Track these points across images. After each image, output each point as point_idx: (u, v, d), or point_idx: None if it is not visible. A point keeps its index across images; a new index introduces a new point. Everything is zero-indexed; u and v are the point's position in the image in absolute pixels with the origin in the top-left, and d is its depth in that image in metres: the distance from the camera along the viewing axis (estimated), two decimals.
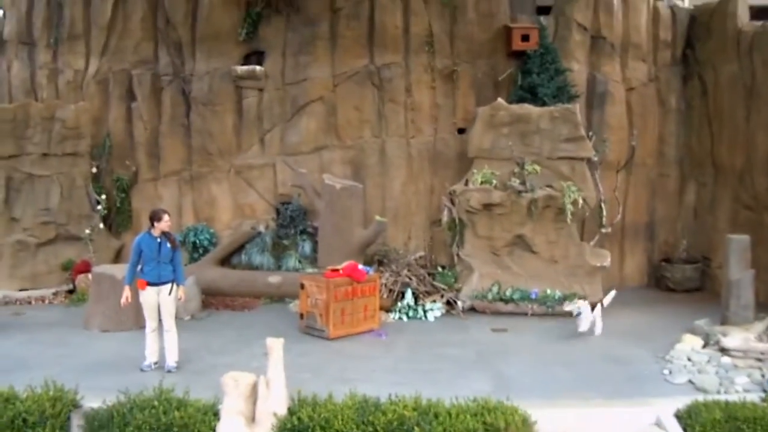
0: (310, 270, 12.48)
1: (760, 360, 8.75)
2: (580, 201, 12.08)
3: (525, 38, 13.67)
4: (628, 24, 14.33)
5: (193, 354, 9.23)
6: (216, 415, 6.25)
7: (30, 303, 12.81)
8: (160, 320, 8.80)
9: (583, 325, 10.29)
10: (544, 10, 14.44)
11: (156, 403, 6.32)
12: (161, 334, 8.78)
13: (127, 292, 8.81)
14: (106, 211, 14.02)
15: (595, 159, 12.87)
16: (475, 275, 12.25)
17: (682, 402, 6.91)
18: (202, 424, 6.15)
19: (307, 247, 13.59)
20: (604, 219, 13.14)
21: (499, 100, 12.94)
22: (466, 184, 12.64)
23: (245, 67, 14.13)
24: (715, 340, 9.38)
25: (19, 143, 13.62)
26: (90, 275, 12.02)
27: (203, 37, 14.27)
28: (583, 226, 13.38)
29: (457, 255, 12.74)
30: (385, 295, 11.82)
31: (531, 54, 13.64)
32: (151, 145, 14.50)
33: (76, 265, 13.38)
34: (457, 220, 12.71)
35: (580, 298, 10.63)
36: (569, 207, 11.98)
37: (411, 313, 11.70)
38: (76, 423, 6.48)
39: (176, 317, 8.96)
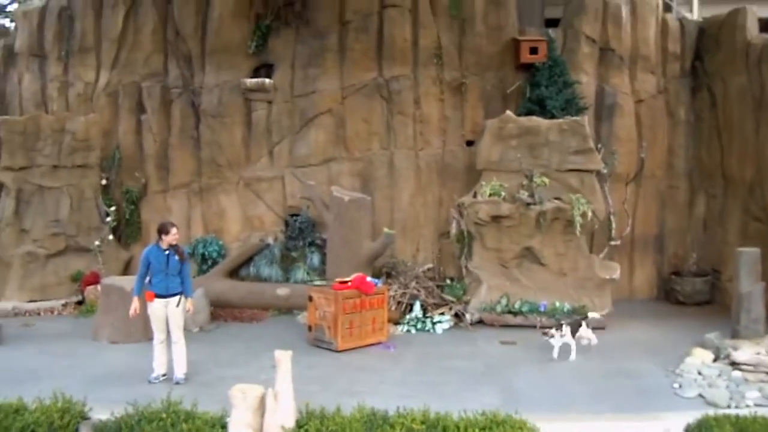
0: (318, 282, 12.48)
1: None
2: (589, 213, 12.05)
3: (533, 51, 13.70)
4: (637, 36, 14.35)
5: (201, 366, 9.23)
6: (224, 427, 6.24)
7: (39, 314, 12.85)
8: (168, 332, 8.81)
9: (573, 353, 9.89)
10: (552, 23, 14.49)
11: (164, 415, 6.32)
12: (169, 346, 8.79)
13: (135, 303, 8.83)
14: (115, 223, 14.08)
15: (604, 171, 12.86)
16: (484, 287, 12.22)
17: (692, 416, 6.85)
18: None
19: (315, 259, 13.61)
20: (613, 231, 13.12)
21: (508, 112, 12.96)
22: (475, 196, 12.64)
23: (254, 80, 14.20)
24: (726, 353, 9.32)
25: (29, 155, 13.71)
26: (99, 287, 12.06)
27: (213, 49, 14.36)
28: (592, 239, 13.35)
29: (466, 267, 12.72)
30: (393, 308, 11.81)
31: (539, 66, 13.66)
32: (161, 157, 14.57)
33: (86, 277, 13.43)
34: (465, 233, 12.70)
35: (555, 328, 9.94)
36: (578, 219, 11.95)
37: (419, 326, 11.68)
38: None
39: (185, 329, 8.97)
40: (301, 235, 13.75)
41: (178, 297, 8.73)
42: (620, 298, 13.31)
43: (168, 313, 8.72)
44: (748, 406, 7.82)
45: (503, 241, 12.37)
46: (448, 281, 13.05)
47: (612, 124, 14.09)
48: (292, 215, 14.09)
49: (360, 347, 10.42)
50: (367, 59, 14.15)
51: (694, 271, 13.93)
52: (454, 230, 12.99)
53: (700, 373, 8.84)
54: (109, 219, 13.90)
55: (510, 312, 11.91)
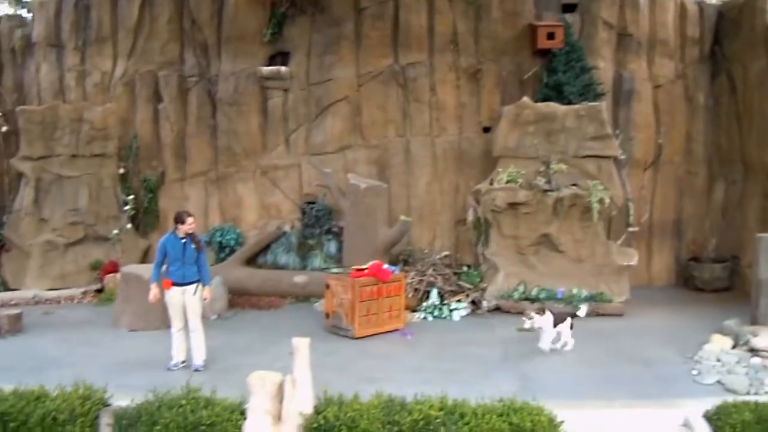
0: (335, 270, 12.51)
1: None
2: (607, 200, 11.99)
3: (550, 36, 13.61)
4: (655, 21, 14.21)
5: (219, 353, 9.30)
6: (243, 414, 6.28)
7: (59, 302, 12.99)
8: (186, 320, 8.86)
9: (545, 342, 9.43)
10: (569, 8, 14.36)
11: (183, 401, 6.36)
12: (187, 333, 8.85)
13: (155, 290, 8.86)
14: (133, 212, 14.16)
15: (622, 157, 12.77)
16: (501, 275, 12.21)
17: (711, 403, 6.83)
18: (228, 423, 6.19)
19: (332, 246, 13.65)
20: (631, 218, 13.03)
21: (525, 98, 12.89)
22: (492, 183, 12.61)
23: (270, 68, 14.22)
24: (745, 340, 9.26)
25: (48, 145, 13.83)
26: (118, 275, 12.16)
27: (229, 38, 14.38)
28: (609, 225, 13.28)
29: (483, 254, 12.70)
30: (410, 295, 11.83)
31: (556, 52, 13.58)
32: (178, 146, 14.64)
33: (105, 265, 13.54)
34: (482, 220, 12.68)
35: (537, 312, 9.48)
36: (596, 206, 11.89)
37: (436, 313, 11.69)
38: (105, 421, 6.54)
39: (203, 317, 9.01)
40: (318, 222, 13.79)
41: (195, 285, 8.78)
42: (638, 284, 13.26)
43: (185, 301, 8.77)
44: (767, 392, 7.78)
45: (520, 228, 12.34)
46: (465, 268, 13.04)
47: (630, 110, 14.00)
48: (309, 203, 14.12)
49: (377, 334, 10.45)
50: (383, 46, 14.12)
51: (712, 258, 13.84)
52: (470, 217, 12.97)
53: (718, 360, 8.79)
54: (127, 208, 13.99)
55: (527, 299, 11.89)
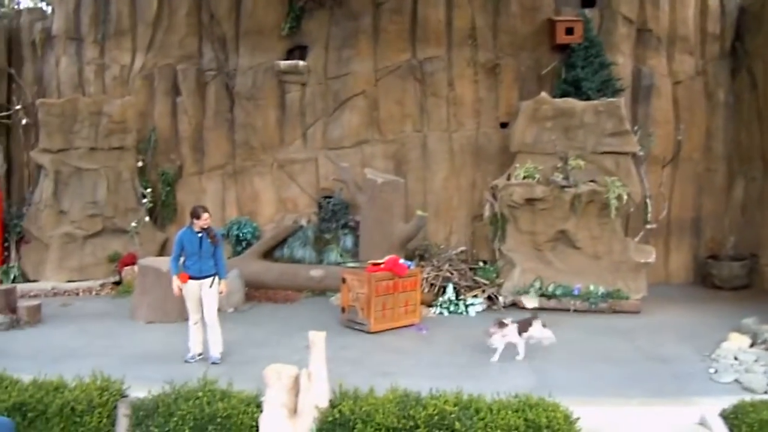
0: (351, 264, 12.53)
1: None
2: (625, 196, 11.92)
3: (569, 31, 13.54)
4: (675, 16, 14.11)
5: (236, 346, 9.34)
6: (259, 406, 6.31)
7: (78, 294, 13.11)
8: (202, 313, 8.91)
9: (496, 356, 8.89)
10: (588, 3, 14.29)
11: (200, 393, 6.40)
12: (205, 326, 8.89)
13: (176, 281, 8.85)
14: (151, 205, 14.25)
15: (641, 154, 12.70)
16: (517, 270, 12.18)
17: (728, 402, 6.78)
18: (244, 416, 6.22)
19: (348, 241, 13.68)
20: (649, 215, 12.97)
21: (543, 94, 12.84)
22: (509, 178, 12.57)
23: (288, 62, 14.25)
24: (763, 338, 9.20)
25: (67, 137, 13.92)
26: (136, 267, 12.24)
27: (247, 32, 14.42)
28: (627, 222, 13.23)
29: (499, 250, 12.69)
30: (426, 290, 11.83)
31: (575, 47, 13.51)
32: (196, 140, 14.71)
33: (123, 258, 13.64)
34: (499, 215, 12.65)
35: (497, 326, 8.92)
36: (613, 202, 11.83)
37: (452, 308, 11.69)
38: (123, 412, 6.59)
39: (220, 310, 9.06)
40: (335, 217, 13.82)
41: (211, 278, 8.82)
42: (656, 282, 13.20)
43: (202, 295, 8.82)
44: None
45: (537, 223, 12.31)
46: (481, 264, 13.02)
47: (649, 106, 13.91)
48: (326, 197, 14.15)
49: (393, 329, 10.46)
50: (401, 41, 14.11)
51: (731, 255, 13.75)
52: (487, 213, 12.95)
53: (736, 358, 8.74)
54: (145, 200, 14.08)
55: (543, 295, 11.87)
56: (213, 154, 14.67)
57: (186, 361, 8.79)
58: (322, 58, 14.37)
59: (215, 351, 8.80)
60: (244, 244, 13.94)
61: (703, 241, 14.35)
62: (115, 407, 6.62)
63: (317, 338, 6.43)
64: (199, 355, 8.91)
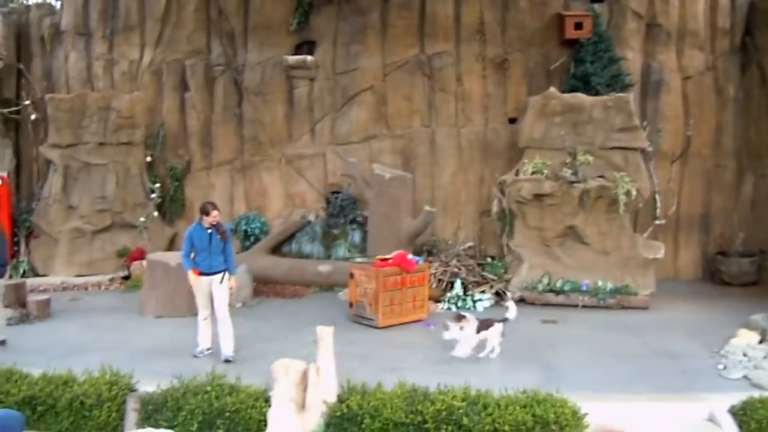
0: (359, 259, 12.54)
1: None
2: (634, 192, 11.89)
3: (578, 26, 13.50)
4: (685, 11, 14.04)
5: (244, 341, 9.36)
6: (267, 401, 6.34)
7: (87, 289, 13.16)
8: (212, 309, 8.89)
9: (461, 350, 8.65)
10: None
11: (209, 388, 6.44)
12: (214, 322, 8.88)
13: (191, 276, 8.79)
14: (160, 200, 14.30)
15: (650, 149, 12.66)
16: (525, 266, 12.17)
17: (737, 398, 6.77)
18: (253, 410, 6.25)
19: (356, 236, 13.68)
20: (658, 210, 12.93)
21: (552, 89, 12.80)
22: (517, 174, 12.55)
23: (296, 57, 14.25)
24: None
25: (76, 132, 13.97)
26: (144, 262, 12.27)
27: (255, 27, 14.43)
28: (636, 218, 13.19)
29: (507, 245, 12.67)
30: (434, 285, 11.84)
31: (584, 42, 13.47)
32: (204, 135, 14.74)
33: (131, 253, 13.68)
34: (507, 211, 12.63)
35: (455, 321, 8.63)
36: (622, 198, 11.80)
37: (460, 304, 11.68)
38: (132, 406, 6.63)
39: (228, 305, 9.00)
40: (343, 212, 13.83)
41: (221, 274, 8.81)
42: (664, 278, 13.16)
43: (212, 291, 8.82)
44: None
45: (545, 219, 12.29)
46: (489, 259, 13.02)
47: (658, 101, 13.85)
48: (334, 192, 14.17)
49: (400, 324, 10.47)
50: (409, 36, 14.10)
51: (740, 252, 13.69)
52: (495, 208, 12.94)
53: (745, 355, 8.71)
54: (153, 195, 14.12)
55: (551, 291, 11.86)
56: (221, 149, 14.70)
57: (195, 356, 8.81)
58: (330, 53, 14.37)
59: (228, 349, 8.71)
60: (252, 239, 13.96)
61: (712, 237, 14.29)
62: (124, 401, 6.66)
63: (325, 333, 6.44)
64: (208, 349, 8.92)
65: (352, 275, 10.81)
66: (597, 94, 12.80)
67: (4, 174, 14.04)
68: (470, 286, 12.11)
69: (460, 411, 5.96)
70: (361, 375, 6.91)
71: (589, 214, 12.12)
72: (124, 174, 14.11)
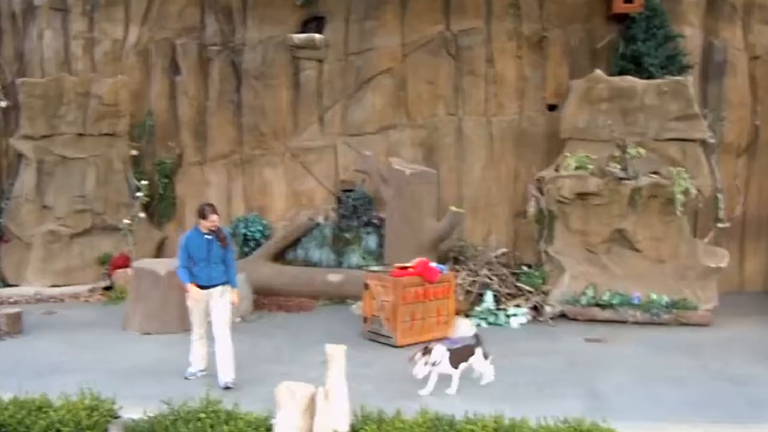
0: (375, 267, 12.55)
1: None
2: (692, 190, 11.85)
3: None
4: None
5: (243, 361, 9.39)
6: (269, 430, 6.36)
7: (63, 301, 13.28)
8: (209, 327, 8.82)
9: (428, 389, 8.22)
10: None
11: (202, 415, 6.46)
12: (209, 341, 8.83)
13: (193, 291, 8.68)
14: (147, 199, 14.38)
15: (711, 141, 12.62)
16: (567, 276, 12.16)
17: None
18: None
19: (372, 241, 13.72)
20: (721, 212, 12.87)
21: (597, 71, 12.78)
22: (557, 169, 12.55)
23: (303, 35, 14.30)
24: None
25: (51, 122, 14.08)
26: (129, 270, 12.36)
27: (256, 1, 14.49)
28: (695, 220, 13.14)
29: (546, 252, 12.66)
30: (461, 298, 11.85)
31: (635, 17, 13.43)
32: (198, 125, 14.83)
33: (114, 259, 13.78)
34: (545, 212, 12.63)
35: (422, 354, 8.24)
36: (679, 197, 11.76)
37: (491, 319, 11.69)
38: None
39: (229, 322, 8.93)
40: (356, 213, 13.87)
41: (221, 287, 8.74)
42: (728, 290, 13.09)
43: (211, 306, 8.75)
44: None
45: (590, 221, 12.28)
46: (525, 268, 13.00)
47: (721, 85, 13.78)
48: (346, 191, 14.20)
49: (422, 342, 10.46)
50: (433, 11, 14.11)
51: None
52: (532, 209, 12.93)
53: None
54: (140, 194, 14.19)
55: (597, 305, 11.84)
56: (217, 141, 14.78)
57: (186, 378, 8.85)
58: (341, 30, 14.41)
59: (227, 374, 8.61)
60: (252, 244, 14.02)
61: None
62: (106, 429, 6.69)
63: (336, 352, 6.47)
64: (202, 371, 8.93)
65: (366, 286, 10.84)
66: (650, 77, 12.77)
67: None
68: (503, 298, 12.11)
69: None
70: (376, 401, 6.93)
71: (640, 215, 12.10)
72: (107, 169, 14.20)
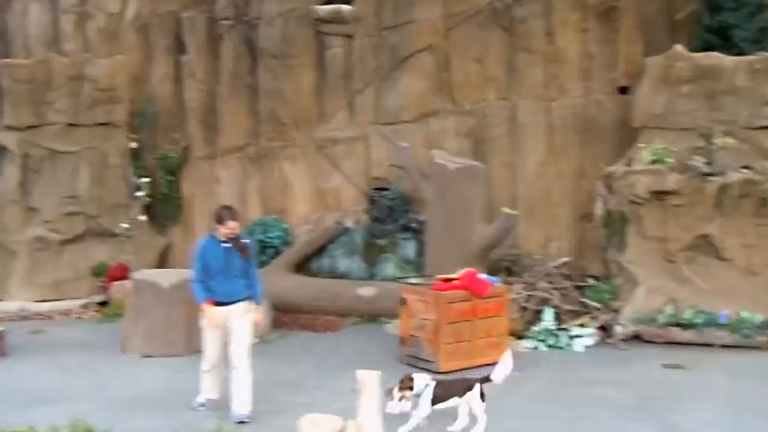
0: (414, 280, 12.58)
1: None
2: None
3: None
4: None
5: (260, 389, 9.42)
6: None
7: (52, 318, 13.43)
8: (224, 351, 8.78)
9: (394, 406, 7.74)
10: None
11: None
12: (225, 368, 8.74)
13: (210, 312, 8.57)
14: (148, 199, 14.51)
15: None
16: (641, 290, 12.10)
17: None
18: None
19: (410, 248, 13.74)
20: None
21: (677, 47, 12.73)
22: (630, 163, 12.50)
23: (329, 7, 14.36)
24: None
25: (38, 110, 14.21)
26: (128, 283, 12.46)
27: None
28: None
29: (616, 262, 12.61)
30: (515, 316, 11.83)
31: None
32: (207, 112, 14.92)
33: (111, 270, 13.88)
34: (615, 214, 12.58)
35: (399, 389, 7.73)
36: None
37: (551, 341, 11.67)
38: None
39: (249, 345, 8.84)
40: (391, 215, 13.89)
41: (242, 304, 8.67)
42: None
43: (230, 326, 8.63)
44: None
45: (669, 225, 12.22)
46: (592, 281, 12.97)
47: None
48: (379, 189, 14.23)
49: (469, 368, 10.47)
50: None
51: None
52: (599, 211, 12.89)
53: None
54: (140, 194, 14.31)
55: (677, 324, 11.76)
56: (229, 131, 14.87)
57: (192, 408, 8.88)
58: (373, 1, 14.45)
59: (242, 405, 8.56)
60: (270, 252, 14.06)
61: None
62: None
63: (368, 379, 6.50)
64: (212, 400, 8.90)
65: (403, 301, 10.86)
66: (740, 53, 12.68)
67: None
68: (565, 316, 12.07)
69: None
70: None
71: (729, 218, 12.03)
72: (102, 165, 14.32)
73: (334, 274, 13.85)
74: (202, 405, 8.88)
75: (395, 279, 13.20)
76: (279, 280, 13.16)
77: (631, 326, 11.87)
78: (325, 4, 14.47)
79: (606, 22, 13.98)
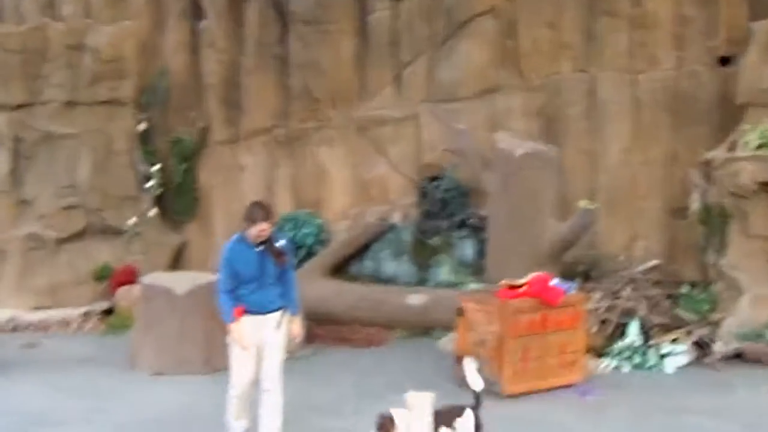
0: (473, 286, 12.58)
1: None
2: None
3: None
4: None
5: (291, 412, 9.45)
6: None
7: (48, 329, 13.54)
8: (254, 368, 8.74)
9: None
10: None
11: None
12: (255, 390, 8.57)
13: (238, 330, 8.36)
14: (160, 190, 14.62)
15: None
16: (745, 300, 12.02)
17: None
18: None
19: (468, 249, 13.73)
20: None
21: None
22: (732, 148, 12.41)
23: None
24: None
25: (31, 86, 14.35)
26: (136, 288, 12.55)
27: None
28: None
29: (715, 266, 12.53)
30: (594, 329, 11.79)
31: None
32: (229, 88, 15.01)
33: (116, 273, 13.99)
34: (715, 209, 12.50)
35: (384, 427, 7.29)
36: None
37: (636, 360, 11.61)
38: None
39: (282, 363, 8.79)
40: (446, 210, 13.89)
41: (277, 314, 8.55)
42: None
43: (263, 341, 8.49)
44: None
45: None
46: (686, 288, 12.90)
47: None
48: (432, 179, 14.23)
49: (539, 391, 10.46)
50: None
51: None
52: (695, 205, 12.82)
53: None
54: (150, 184, 14.41)
55: None
56: (255, 111, 14.94)
57: None
58: None
59: (271, 429, 8.54)
60: (302, 252, 14.11)
61: None
62: None
63: (420, 402, 6.51)
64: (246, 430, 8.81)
65: (461, 312, 10.86)
66: None
67: None
68: (654, 331, 12.00)
69: None
70: None
71: None
72: (105, 150, 14.44)
73: (378, 279, 13.89)
74: None
75: (450, 285, 13.22)
76: (313, 285, 13.17)
77: (733, 343, 11.78)
78: None
79: None
